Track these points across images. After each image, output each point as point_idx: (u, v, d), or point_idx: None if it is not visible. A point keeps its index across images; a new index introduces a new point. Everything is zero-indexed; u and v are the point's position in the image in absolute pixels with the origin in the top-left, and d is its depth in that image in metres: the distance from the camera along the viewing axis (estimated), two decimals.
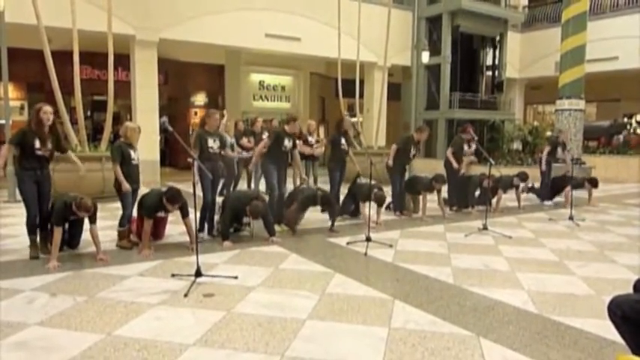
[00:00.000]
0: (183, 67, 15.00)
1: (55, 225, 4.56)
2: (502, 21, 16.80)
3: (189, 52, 14.08)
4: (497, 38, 17.13)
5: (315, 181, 9.35)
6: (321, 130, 16.48)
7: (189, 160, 4.55)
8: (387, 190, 6.96)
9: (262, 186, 8.41)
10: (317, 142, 9.65)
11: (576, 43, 12.59)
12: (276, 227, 5.88)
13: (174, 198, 4.96)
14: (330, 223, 6.30)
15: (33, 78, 12.31)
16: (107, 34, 9.29)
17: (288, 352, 2.83)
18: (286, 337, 3.05)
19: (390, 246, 5.48)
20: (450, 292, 3.99)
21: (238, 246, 5.37)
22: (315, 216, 6.92)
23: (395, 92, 16.71)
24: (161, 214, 5.16)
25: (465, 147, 8.11)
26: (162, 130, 12.47)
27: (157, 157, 11.62)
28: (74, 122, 9.45)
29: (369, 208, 6.05)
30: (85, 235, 5.00)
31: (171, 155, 15.66)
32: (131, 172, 5.23)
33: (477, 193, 8.11)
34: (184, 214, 5.09)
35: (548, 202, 9.09)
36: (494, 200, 7.99)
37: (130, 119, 12.25)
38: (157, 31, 11.33)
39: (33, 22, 8.41)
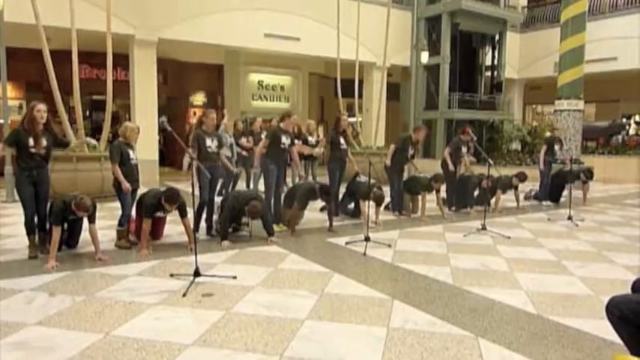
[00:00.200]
0: (183, 67, 15.00)
1: (54, 224, 4.55)
2: (501, 21, 16.83)
3: (189, 52, 14.08)
4: (497, 38, 17.15)
5: (315, 180, 9.34)
6: (320, 129, 16.48)
7: (187, 161, 4.55)
8: (386, 190, 6.96)
9: (261, 186, 8.42)
10: (317, 142, 9.64)
11: (575, 43, 12.59)
12: (275, 227, 5.88)
13: (173, 198, 4.96)
14: (328, 223, 6.30)
15: (32, 77, 12.31)
16: (106, 33, 9.29)
17: (287, 352, 2.83)
18: (285, 337, 3.05)
19: (389, 246, 5.48)
20: (448, 292, 3.99)
21: (237, 246, 5.37)
22: (314, 216, 6.93)
23: (394, 92, 16.73)
24: (160, 214, 5.15)
25: (463, 149, 8.10)
26: (161, 130, 12.52)
27: (156, 156, 11.62)
28: (73, 122, 9.46)
29: (368, 207, 6.06)
30: (84, 234, 5.00)
31: (169, 155, 15.65)
32: (130, 171, 5.23)
33: (476, 193, 8.11)
34: (182, 214, 5.10)
35: (546, 203, 9.12)
36: (493, 200, 8.00)
37: (129, 119, 12.25)
38: (156, 31, 11.33)
39: (32, 21, 8.41)
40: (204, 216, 5.79)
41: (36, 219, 4.83)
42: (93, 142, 6.03)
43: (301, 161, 8.16)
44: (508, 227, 6.74)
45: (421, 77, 16.32)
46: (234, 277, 4.16)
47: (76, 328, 3.14)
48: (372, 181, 6.16)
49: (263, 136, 8.30)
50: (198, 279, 4.03)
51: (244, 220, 5.85)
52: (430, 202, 7.37)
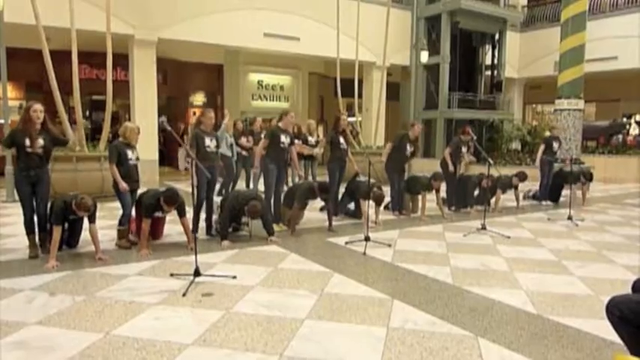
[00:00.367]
0: (182, 67, 14.99)
1: (55, 224, 4.55)
2: (501, 20, 16.82)
3: (188, 52, 14.08)
4: (497, 37, 17.14)
5: (315, 180, 9.34)
6: (320, 129, 16.48)
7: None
8: (386, 190, 6.96)
9: (261, 186, 8.41)
10: (316, 143, 9.64)
11: (575, 42, 12.59)
12: (275, 226, 5.88)
13: (172, 199, 4.96)
14: (328, 223, 6.31)
15: (32, 77, 12.30)
16: (106, 33, 9.28)
17: (287, 352, 2.84)
18: (285, 336, 3.05)
19: (389, 245, 5.48)
20: (448, 291, 4.00)
21: (237, 245, 5.37)
22: (314, 215, 6.93)
23: (394, 92, 16.72)
24: (159, 214, 5.16)
25: (463, 149, 8.09)
26: (161, 130, 12.53)
27: (156, 156, 11.61)
28: (73, 122, 9.46)
29: (367, 206, 6.06)
30: (85, 234, 5.00)
31: (169, 155, 15.65)
32: (128, 172, 5.23)
33: (476, 192, 8.12)
34: (181, 214, 5.10)
35: (546, 202, 9.12)
36: (492, 200, 8.00)
37: (129, 119, 12.25)
38: (155, 31, 11.32)
39: (32, 21, 8.40)
40: (203, 216, 5.78)
41: (36, 219, 4.83)
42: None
43: (301, 161, 8.18)
44: (508, 227, 6.74)
45: (421, 77, 16.31)
46: (234, 277, 4.17)
47: (76, 327, 3.14)
48: (372, 180, 6.15)
49: (263, 135, 8.31)
50: (198, 279, 4.03)
51: (244, 219, 5.85)
52: (430, 201, 7.37)
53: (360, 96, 13.94)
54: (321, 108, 18.84)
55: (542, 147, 9.22)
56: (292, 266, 4.65)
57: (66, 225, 4.83)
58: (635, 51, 15.19)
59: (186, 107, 16.20)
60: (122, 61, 11.61)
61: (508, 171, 9.07)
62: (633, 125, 17.99)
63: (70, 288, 3.91)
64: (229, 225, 5.68)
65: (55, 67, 8.60)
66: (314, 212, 7.07)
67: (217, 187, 7.16)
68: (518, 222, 7.28)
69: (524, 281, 4.29)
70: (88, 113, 15.06)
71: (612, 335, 2.61)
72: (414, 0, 15.64)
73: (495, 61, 17.37)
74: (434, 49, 15.82)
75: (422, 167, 11.89)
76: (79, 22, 8.97)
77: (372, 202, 6.36)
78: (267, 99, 17.36)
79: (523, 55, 18.89)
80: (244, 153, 9.04)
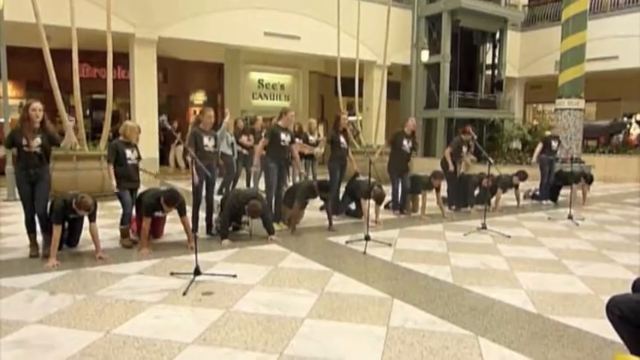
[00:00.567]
0: (183, 66, 14.99)
1: (55, 223, 4.54)
2: (502, 20, 16.81)
3: (189, 51, 14.08)
4: (497, 36, 17.13)
5: (315, 179, 9.34)
6: (321, 128, 16.47)
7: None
8: (387, 189, 6.96)
9: (262, 184, 8.41)
10: (317, 142, 9.63)
11: (576, 42, 12.57)
12: (275, 225, 5.88)
13: (172, 200, 4.96)
14: (328, 222, 6.31)
15: (32, 76, 12.31)
16: (106, 32, 9.28)
17: (287, 351, 2.84)
18: (285, 335, 3.05)
19: (389, 245, 5.48)
20: (448, 291, 4.00)
21: (237, 244, 5.37)
22: (314, 215, 6.93)
23: (394, 91, 16.71)
24: (159, 213, 5.16)
25: (464, 149, 8.09)
26: (161, 129, 12.52)
27: (157, 155, 11.62)
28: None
29: (368, 205, 6.06)
30: (85, 233, 5.00)
31: (169, 154, 15.62)
32: (126, 171, 5.21)
33: (476, 192, 8.12)
34: (181, 213, 5.10)
35: (547, 202, 9.12)
36: (493, 199, 7.99)
37: (129, 118, 12.24)
38: (156, 30, 11.32)
39: (32, 20, 8.39)
40: (203, 214, 5.78)
41: (37, 218, 4.83)
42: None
43: (301, 160, 8.15)
44: (508, 226, 6.74)
45: (421, 76, 16.31)
46: (235, 276, 4.16)
47: (76, 326, 3.15)
48: (372, 180, 6.15)
49: (263, 134, 8.31)
50: (198, 277, 4.03)
51: (244, 218, 5.85)
52: (430, 201, 7.37)
53: (360, 95, 13.94)
54: (321, 107, 18.84)
55: (540, 146, 9.21)
56: (292, 265, 4.65)
57: (66, 224, 4.82)
58: (636, 50, 15.18)
59: (186, 106, 16.21)
60: (122, 59, 11.61)
61: (508, 170, 9.07)
62: (634, 125, 17.96)
63: (71, 287, 3.91)
64: (229, 224, 5.68)
65: (56, 65, 8.59)
66: (314, 211, 7.07)
67: (217, 185, 7.16)
68: (518, 221, 7.28)
69: (525, 280, 4.29)
70: (88, 112, 15.06)
71: (612, 335, 2.61)
72: None
73: (496, 61, 17.36)
74: (434, 48, 15.81)
75: (422, 166, 11.89)
76: (79, 20, 8.97)
77: (372, 202, 6.35)
78: (267, 98, 17.37)
79: (524, 54, 18.88)
80: (245, 152, 9.03)
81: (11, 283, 3.97)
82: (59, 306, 3.48)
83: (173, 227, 5.85)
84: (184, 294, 3.74)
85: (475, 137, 8.11)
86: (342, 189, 7.25)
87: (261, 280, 4.17)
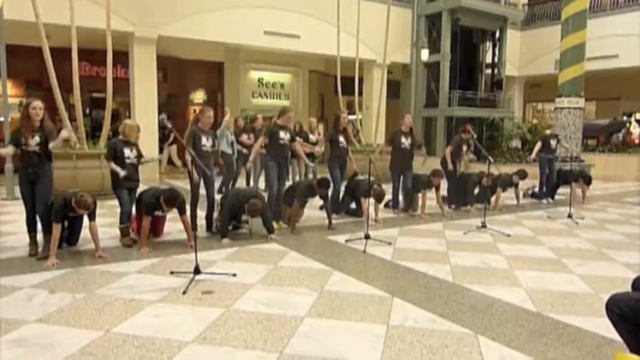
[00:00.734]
0: (183, 65, 14.97)
1: (54, 222, 4.53)
2: (502, 18, 16.80)
3: (189, 50, 14.05)
4: (497, 35, 17.12)
5: (315, 178, 9.34)
6: (320, 127, 16.47)
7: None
8: (387, 188, 6.96)
9: (262, 183, 8.41)
10: (317, 141, 9.63)
11: (576, 41, 12.57)
12: (275, 224, 5.88)
13: (172, 200, 4.96)
14: (327, 221, 6.31)
15: (32, 75, 12.28)
16: (106, 31, 9.27)
17: (287, 350, 2.84)
18: (285, 334, 3.05)
19: (389, 243, 5.48)
20: (448, 289, 4.00)
21: (237, 243, 5.37)
22: (314, 213, 6.93)
23: (394, 90, 16.70)
24: (159, 213, 5.16)
25: (464, 147, 8.08)
26: (161, 128, 12.50)
27: (156, 154, 11.60)
28: (73, 119, 9.44)
29: (367, 204, 6.06)
30: (84, 232, 5.00)
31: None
32: (125, 170, 5.19)
33: (476, 191, 8.12)
34: (181, 212, 5.10)
35: (546, 200, 9.12)
36: (493, 198, 7.99)
37: (129, 116, 12.23)
38: (155, 28, 11.31)
39: (32, 19, 8.38)
40: (202, 213, 5.78)
41: (37, 217, 4.82)
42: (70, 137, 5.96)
43: (301, 160, 8.16)
44: (508, 225, 6.74)
45: (421, 75, 16.31)
46: (234, 275, 4.17)
47: (76, 325, 3.15)
48: (372, 178, 6.15)
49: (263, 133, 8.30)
50: (198, 276, 4.03)
51: (244, 217, 5.85)
52: (430, 199, 7.37)
53: (360, 94, 13.92)
54: (321, 106, 18.83)
55: (538, 144, 9.22)
56: (292, 264, 4.65)
57: (66, 223, 4.82)
58: (636, 49, 15.16)
59: (186, 105, 16.18)
60: (122, 58, 11.59)
61: (508, 169, 9.08)
62: (634, 124, 17.96)
63: (70, 285, 3.91)
64: (229, 223, 5.68)
65: (55, 64, 8.58)
66: (314, 210, 7.07)
67: (217, 184, 7.16)
68: (518, 220, 7.28)
69: (524, 279, 4.29)
70: (88, 111, 15.04)
71: (612, 333, 2.61)
72: None
73: (496, 60, 17.36)
74: (434, 47, 15.80)
75: (422, 166, 11.88)
76: (79, 19, 8.96)
77: (371, 200, 6.35)
78: (267, 97, 17.35)
79: (523, 53, 18.87)
80: (245, 151, 9.03)
81: (11, 281, 3.97)
82: (59, 305, 3.48)
83: (173, 226, 5.85)
84: (184, 293, 3.74)
85: (475, 136, 8.11)
86: (342, 188, 7.25)
87: (261, 278, 4.17)
